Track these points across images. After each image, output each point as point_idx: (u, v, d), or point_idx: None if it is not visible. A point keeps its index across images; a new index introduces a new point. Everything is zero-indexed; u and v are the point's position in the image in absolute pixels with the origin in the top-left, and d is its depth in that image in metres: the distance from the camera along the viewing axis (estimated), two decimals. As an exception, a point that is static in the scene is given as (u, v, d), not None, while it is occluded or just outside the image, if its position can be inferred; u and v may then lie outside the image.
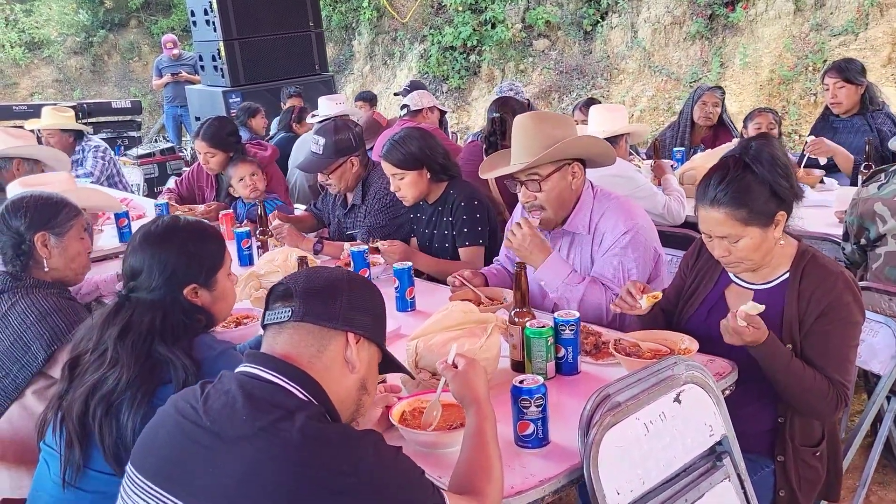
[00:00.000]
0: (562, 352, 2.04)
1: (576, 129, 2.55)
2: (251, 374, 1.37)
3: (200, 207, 4.14)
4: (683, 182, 4.04)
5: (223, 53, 7.75)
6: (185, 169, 5.08)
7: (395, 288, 2.64)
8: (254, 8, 7.76)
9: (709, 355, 2.03)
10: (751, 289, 2.08)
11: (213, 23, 7.71)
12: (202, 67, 8.26)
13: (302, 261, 2.69)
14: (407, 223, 3.39)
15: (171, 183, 4.84)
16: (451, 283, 2.63)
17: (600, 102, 4.89)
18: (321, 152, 3.46)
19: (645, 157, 4.79)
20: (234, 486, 1.22)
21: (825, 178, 3.99)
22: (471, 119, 10.66)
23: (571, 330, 2.03)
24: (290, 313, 1.41)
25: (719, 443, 1.80)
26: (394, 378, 1.99)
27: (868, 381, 3.18)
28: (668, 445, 1.68)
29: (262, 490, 1.21)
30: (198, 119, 8.04)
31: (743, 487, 1.80)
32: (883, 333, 2.44)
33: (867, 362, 2.46)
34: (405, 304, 2.64)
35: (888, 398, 2.53)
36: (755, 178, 1.93)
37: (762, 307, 1.88)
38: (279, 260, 2.82)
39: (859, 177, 3.75)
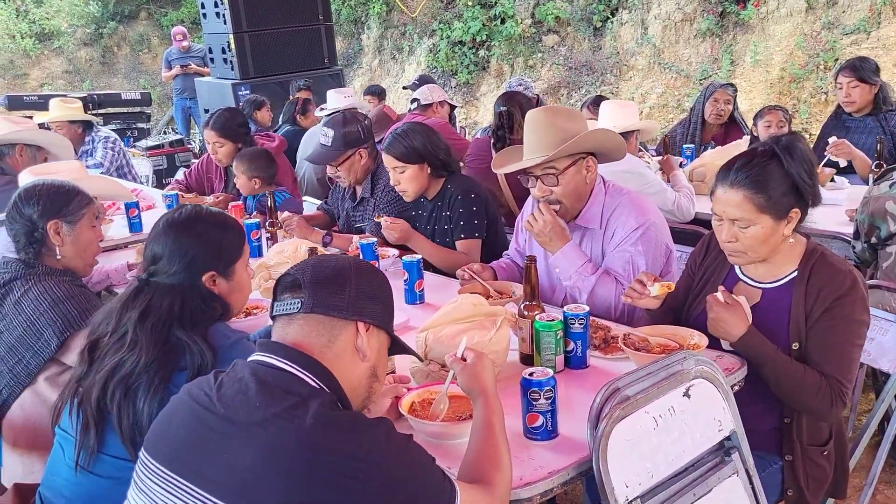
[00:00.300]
0: (571, 345, 2.04)
1: (587, 122, 2.55)
2: (264, 362, 1.39)
3: (209, 198, 4.15)
4: (693, 179, 4.03)
5: (233, 46, 7.77)
6: (193, 161, 5.10)
7: (404, 280, 2.64)
8: (264, 1, 7.77)
9: (718, 351, 2.03)
10: (759, 287, 2.08)
11: (224, 15, 7.73)
12: (212, 60, 8.29)
13: (312, 252, 2.70)
14: (412, 219, 3.39)
15: (179, 174, 4.86)
16: (460, 276, 2.64)
17: (608, 100, 4.88)
18: (330, 144, 3.47)
19: (654, 154, 4.78)
20: (248, 472, 1.24)
21: (836, 177, 3.98)
22: (479, 114, 10.65)
23: (581, 324, 2.03)
24: (299, 305, 1.42)
25: (728, 438, 1.80)
26: (403, 369, 2.00)
27: (877, 379, 3.18)
28: (677, 440, 1.68)
29: (275, 475, 1.22)
30: (207, 111, 8.06)
31: (751, 483, 1.80)
32: (892, 332, 2.43)
33: (876, 360, 2.45)
34: (414, 297, 2.65)
35: (896, 397, 2.52)
36: (780, 169, 1.93)
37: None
38: (289, 251, 2.83)
39: (870, 176, 3.74)
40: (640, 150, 4.19)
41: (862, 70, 4.18)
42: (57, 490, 1.66)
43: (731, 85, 4.94)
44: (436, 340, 1.96)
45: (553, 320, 2.00)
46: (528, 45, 10.73)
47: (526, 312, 2.08)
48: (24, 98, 8.87)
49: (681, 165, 4.43)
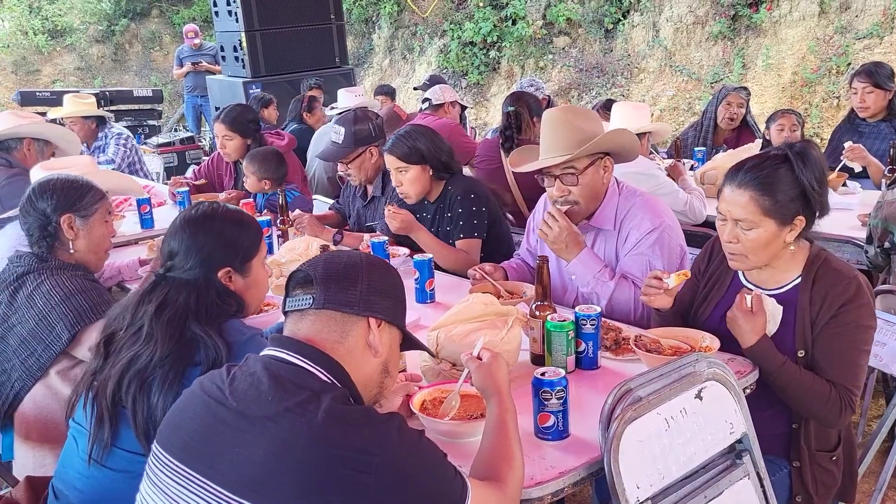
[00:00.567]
0: (582, 346, 2.04)
1: (601, 122, 2.55)
2: (276, 356, 1.39)
3: (221, 195, 4.16)
4: (704, 182, 4.02)
5: (244, 44, 7.79)
6: (203, 158, 5.12)
7: (415, 279, 2.64)
8: (276, -1, 7.80)
9: (729, 354, 2.02)
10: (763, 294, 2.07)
11: (236, 13, 7.75)
12: (223, 58, 8.31)
13: (324, 250, 2.71)
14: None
15: (189, 172, 4.88)
16: (471, 275, 2.63)
17: (621, 101, 4.88)
18: (341, 141, 3.48)
19: (665, 157, 4.77)
20: (260, 465, 1.24)
21: (848, 182, 3.96)
22: (489, 115, 10.65)
23: (592, 324, 2.02)
24: (311, 301, 1.42)
25: (739, 441, 1.79)
26: (414, 367, 2.00)
27: (888, 385, 3.17)
28: (689, 441, 1.67)
29: (287, 469, 1.22)
30: (217, 109, 8.08)
31: (762, 486, 1.80)
32: (905, 337, 2.42)
33: (888, 366, 2.44)
34: (425, 296, 2.65)
35: (908, 403, 2.51)
36: (791, 174, 1.92)
37: (780, 310, 1.89)
38: (300, 248, 2.84)
39: (883, 181, 3.72)
40: (651, 153, 4.18)
41: (877, 75, 4.16)
42: (70, 483, 1.67)
43: (745, 88, 4.92)
44: (447, 339, 1.96)
45: (564, 321, 1.99)
46: (538, 46, 10.72)
47: (537, 312, 2.08)
48: (37, 94, 8.92)
49: (692, 168, 4.42)
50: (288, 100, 6.59)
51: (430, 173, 3.08)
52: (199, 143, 8.05)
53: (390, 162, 3.09)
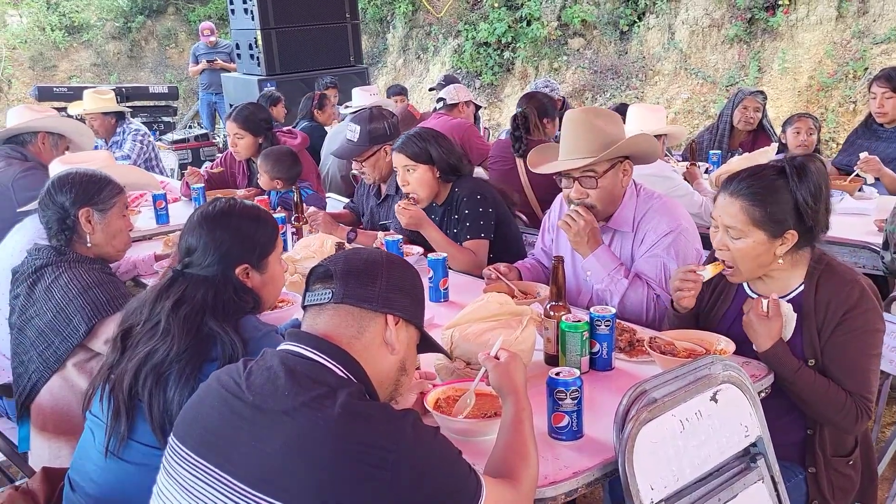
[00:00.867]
0: (596, 347, 2.04)
1: (622, 124, 2.55)
2: (293, 351, 1.40)
3: (241, 191, 4.19)
4: (719, 185, 4.00)
5: (260, 42, 7.83)
6: (217, 155, 5.15)
7: (429, 278, 2.64)
8: (292, -2, 7.84)
9: (744, 357, 2.02)
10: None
11: (252, 12, 7.79)
12: (238, 56, 8.36)
13: (339, 247, 2.72)
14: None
15: (203, 170, 4.90)
16: (486, 275, 2.64)
17: (636, 104, 4.86)
18: (356, 140, 3.49)
19: (680, 159, 4.76)
20: (276, 459, 1.25)
21: (865, 187, 3.94)
22: (503, 116, 10.64)
23: (607, 325, 2.02)
24: (329, 295, 1.42)
25: (754, 444, 1.79)
26: (428, 365, 2.01)
27: (902, 391, 3.14)
28: (703, 444, 1.67)
29: (303, 464, 1.23)
30: (231, 106, 8.13)
31: (776, 490, 1.79)
32: (920, 343, 2.39)
33: (904, 372, 2.42)
34: (438, 295, 2.65)
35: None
36: (784, 186, 1.91)
37: (794, 316, 1.89)
38: (315, 246, 2.85)
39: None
40: (666, 155, 4.17)
41: (897, 80, 4.13)
42: (86, 474, 1.68)
43: (761, 92, 4.90)
44: (462, 338, 1.97)
45: (579, 321, 1.99)
46: (553, 47, 10.70)
47: (552, 313, 2.08)
48: (54, 89, 8.99)
49: (706, 171, 4.40)
50: (302, 98, 6.62)
51: (437, 175, 3.09)
52: (214, 140, 8.09)
53: (399, 160, 3.09)
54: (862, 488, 2.10)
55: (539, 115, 4.11)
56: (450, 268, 2.81)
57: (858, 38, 8.31)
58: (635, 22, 10.12)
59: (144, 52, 13.94)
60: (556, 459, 1.63)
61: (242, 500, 1.25)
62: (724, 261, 2.03)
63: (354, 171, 3.67)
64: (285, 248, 3.31)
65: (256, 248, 1.86)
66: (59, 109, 5.08)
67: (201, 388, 1.44)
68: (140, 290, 2.75)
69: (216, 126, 9.79)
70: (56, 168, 3.01)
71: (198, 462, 1.32)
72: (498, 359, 1.66)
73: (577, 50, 10.60)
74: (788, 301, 2.00)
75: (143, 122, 7.55)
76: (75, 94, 7.35)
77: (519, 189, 3.92)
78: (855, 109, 8.00)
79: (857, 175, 3.86)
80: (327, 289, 1.43)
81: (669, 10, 9.79)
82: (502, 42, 10.95)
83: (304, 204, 3.61)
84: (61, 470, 1.79)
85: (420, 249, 3.06)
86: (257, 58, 7.94)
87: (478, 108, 5.86)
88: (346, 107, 6.04)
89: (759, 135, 4.79)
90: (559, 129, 2.62)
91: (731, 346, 2.00)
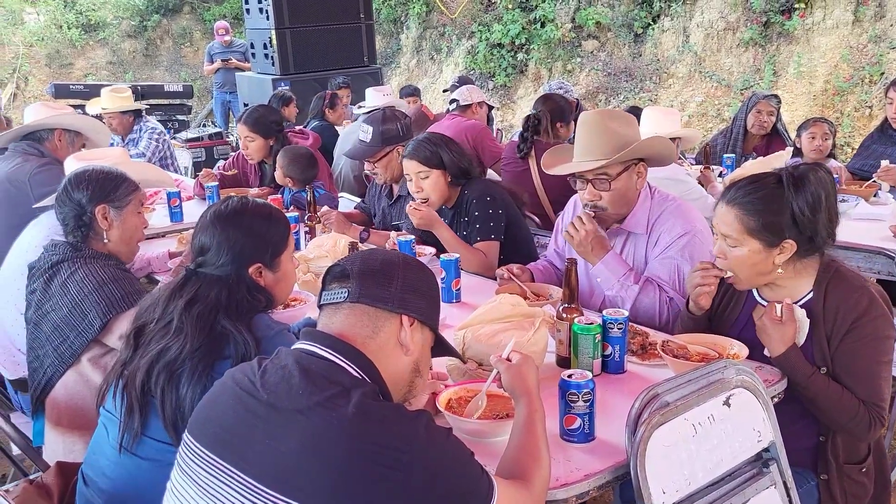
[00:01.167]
0: (608, 350, 2.03)
1: (637, 126, 2.54)
2: (308, 350, 1.40)
3: (254, 190, 4.21)
4: (733, 189, 3.98)
5: (274, 42, 7.87)
6: (230, 154, 5.18)
7: (441, 278, 2.64)
8: (307, -2, 7.87)
9: (757, 362, 2.01)
10: None
11: (266, 11, 7.83)
12: (253, 55, 8.39)
13: (353, 247, 2.73)
14: None
15: (215, 170, 4.93)
16: (499, 276, 2.64)
17: (650, 106, 4.86)
18: (368, 140, 3.50)
19: (693, 163, 4.74)
20: (290, 458, 1.25)
21: (879, 192, 3.91)
22: (515, 117, 10.63)
23: (619, 328, 2.02)
24: (346, 294, 1.43)
25: (766, 449, 1.78)
26: (440, 365, 2.01)
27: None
28: (716, 448, 1.66)
29: (316, 463, 1.24)
30: (246, 105, 8.17)
31: (789, 496, 1.78)
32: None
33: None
34: (450, 296, 2.65)
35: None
36: (781, 197, 1.91)
37: (807, 321, 1.88)
38: (328, 245, 2.86)
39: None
40: (680, 158, 4.16)
41: (915, 86, 4.11)
42: (100, 469, 1.70)
43: (775, 96, 4.88)
44: (474, 339, 1.97)
45: (592, 324, 1.99)
46: (567, 49, 10.69)
47: (564, 315, 2.07)
48: (70, 87, 9.08)
49: (720, 175, 4.38)
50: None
51: (448, 179, 3.09)
52: (227, 139, 8.12)
53: (411, 167, 3.08)
54: (875, 496, 2.09)
55: (553, 118, 4.10)
56: (462, 269, 2.81)
57: (875, 43, 8.26)
58: (650, 24, 10.10)
59: (160, 50, 14.03)
60: (568, 462, 1.63)
61: (258, 498, 1.26)
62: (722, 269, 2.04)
63: (367, 171, 3.68)
64: (298, 248, 3.33)
65: (269, 247, 1.87)
66: (75, 107, 5.13)
67: (216, 385, 1.45)
68: (153, 286, 2.77)
69: (230, 125, 9.84)
70: (72, 164, 3.04)
71: (213, 459, 1.33)
72: (510, 360, 1.66)
73: (591, 52, 10.59)
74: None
75: (158, 121, 7.60)
76: (92, 92, 7.41)
77: (531, 191, 3.91)
78: (871, 114, 7.94)
79: (873, 181, 3.84)
80: (343, 288, 1.44)
81: (684, 13, 9.76)
82: (516, 43, 10.95)
83: (317, 203, 3.62)
84: (75, 464, 1.81)
85: (433, 250, 3.06)
86: (272, 57, 7.98)
87: (491, 109, 5.85)
88: (360, 107, 6.05)
89: (774, 139, 4.77)
90: (573, 133, 2.62)
91: (745, 351, 1.99)
